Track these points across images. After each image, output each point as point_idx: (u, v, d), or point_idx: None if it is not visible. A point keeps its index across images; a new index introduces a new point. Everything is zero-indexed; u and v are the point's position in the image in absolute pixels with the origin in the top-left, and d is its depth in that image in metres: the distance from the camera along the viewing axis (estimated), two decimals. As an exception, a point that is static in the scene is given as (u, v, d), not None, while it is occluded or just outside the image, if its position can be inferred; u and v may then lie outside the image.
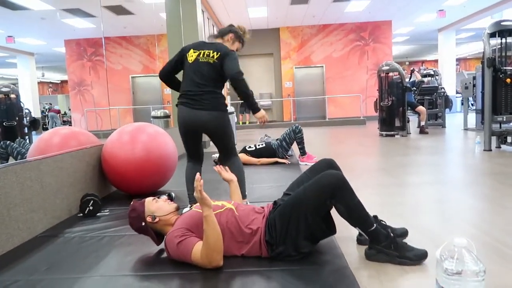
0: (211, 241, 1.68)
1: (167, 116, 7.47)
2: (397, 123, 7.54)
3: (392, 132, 7.52)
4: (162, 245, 1.97)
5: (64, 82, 23.31)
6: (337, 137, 8.33)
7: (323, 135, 8.83)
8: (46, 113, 17.36)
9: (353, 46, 12.83)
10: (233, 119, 7.53)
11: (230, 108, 7.71)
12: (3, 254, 2.10)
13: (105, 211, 2.91)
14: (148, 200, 1.98)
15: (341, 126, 11.05)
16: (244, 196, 2.65)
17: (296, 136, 4.83)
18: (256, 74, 13.54)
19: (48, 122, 16.81)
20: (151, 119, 7.61)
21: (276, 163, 4.77)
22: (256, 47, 13.16)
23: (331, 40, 12.86)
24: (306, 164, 4.73)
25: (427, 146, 5.92)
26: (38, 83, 17.53)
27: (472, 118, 8.64)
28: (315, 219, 1.78)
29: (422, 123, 7.93)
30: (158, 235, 1.97)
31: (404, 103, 7.48)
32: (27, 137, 8.07)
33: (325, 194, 1.75)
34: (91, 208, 2.79)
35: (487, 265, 1.67)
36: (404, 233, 2.12)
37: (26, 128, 8.16)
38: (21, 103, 8.23)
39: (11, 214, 2.22)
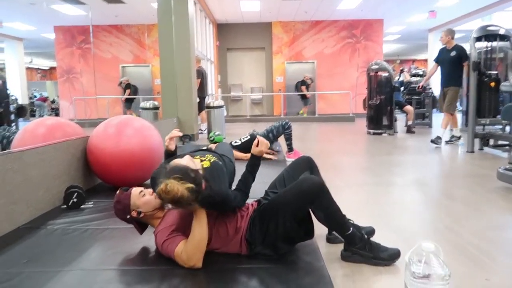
0: (196, 238, 1.71)
1: (156, 108, 7.46)
2: (385, 122, 7.63)
3: (380, 131, 7.61)
4: (144, 239, 2.00)
5: (53, 68, 22.92)
6: (326, 134, 8.41)
7: (312, 131, 8.89)
8: (34, 100, 17.13)
9: (344, 43, 12.87)
10: (222, 113, 7.54)
11: (219, 102, 7.73)
12: (-17, 245, 2.11)
13: (90, 203, 2.91)
14: (135, 193, 1.95)
15: (331, 123, 11.13)
16: None
17: (284, 132, 4.84)
18: (247, 67, 13.52)
19: (36, 109, 16.60)
20: (140, 110, 7.59)
21: (263, 158, 4.79)
22: (248, 40, 13.14)
23: (323, 36, 12.88)
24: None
25: (412, 146, 6.02)
26: (27, 69, 17.27)
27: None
28: (292, 224, 1.81)
29: (409, 123, 8.03)
30: (142, 225, 1.99)
31: (392, 102, 7.57)
32: (13, 124, 7.98)
33: (305, 200, 1.79)
34: (75, 200, 2.80)
35: (457, 267, 1.74)
36: (370, 231, 2.18)
37: (12, 115, 8.06)
38: (7, 90, 8.12)
39: (-7, 205, 2.23)
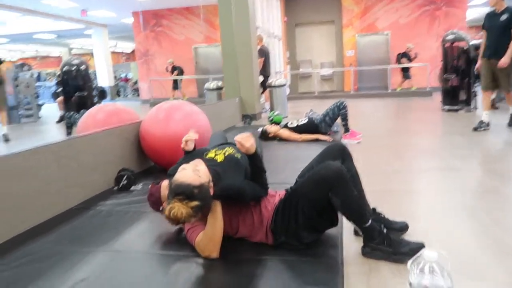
0: (209, 231, 1.76)
1: (220, 88, 7.62)
2: (462, 97, 6.95)
3: (456, 107, 6.96)
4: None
5: (134, 51, 24.54)
6: (395, 111, 7.92)
7: (382, 108, 8.43)
8: (118, 82, 18.52)
9: (421, 11, 11.82)
10: (284, 91, 7.47)
11: (281, 81, 7.65)
12: (39, 224, 2.37)
13: (139, 185, 3.12)
14: (164, 186, 2.07)
15: (405, 98, 10.41)
16: None
17: (340, 112, 4.68)
18: (317, 42, 13.13)
19: (120, 90, 17.97)
20: (205, 91, 7.82)
21: (318, 140, 4.66)
22: (317, 14, 12.70)
23: (396, 5, 11.96)
24: (349, 142, 4.60)
25: (492, 125, 5.41)
26: (112, 52, 18.67)
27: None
28: (312, 212, 1.78)
29: (493, 96, 7.21)
30: None
31: (470, 75, 6.84)
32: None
33: (322, 187, 1.73)
34: (124, 182, 3.01)
35: (478, 268, 1.57)
36: (403, 227, 2.05)
37: (95, 98, 8.81)
38: (91, 75, 8.84)
39: (48, 188, 2.49)
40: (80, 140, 2.90)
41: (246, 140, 1.79)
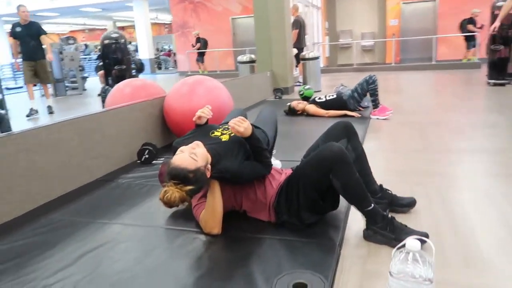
0: (209, 208, 1.81)
1: (253, 61, 7.56)
2: (511, 70, 6.46)
3: (503, 81, 6.49)
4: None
5: (172, 23, 24.73)
6: (436, 85, 7.52)
7: (422, 81, 8.03)
8: (160, 55, 18.82)
9: (475, -26, 10.93)
10: (317, 64, 7.29)
11: (315, 53, 7.46)
12: (64, 194, 2.54)
13: (161, 159, 3.22)
14: None
15: (450, 70, 9.83)
16: None
17: (369, 87, 4.52)
18: (358, 11, 12.60)
19: (161, 63, 18.28)
20: (237, 64, 7.79)
21: (346, 116, 4.55)
22: (358, -19, 12.13)
23: (448, -31, 11.13)
24: (377, 118, 4.46)
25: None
26: (154, 24, 18.89)
27: None
28: (313, 193, 1.77)
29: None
30: None
31: (521, 46, 6.32)
32: (134, 79, 8.98)
33: (323, 168, 1.71)
34: (146, 156, 3.12)
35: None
36: (410, 203, 2.01)
37: (134, 71, 9.05)
38: (133, 47, 9.06)
39: (72, 161, 2.64)
40: (106, 113, 3.02)
41: (239, 124, 1.78)
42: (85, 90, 10.47)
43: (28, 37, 6.34)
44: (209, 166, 1.73)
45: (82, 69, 10.93)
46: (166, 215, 2.13)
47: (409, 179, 2.54)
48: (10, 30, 6.49)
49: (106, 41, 7.72)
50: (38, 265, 1.67)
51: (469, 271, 1.52)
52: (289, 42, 7.11)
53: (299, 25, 7.95)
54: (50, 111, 6.71)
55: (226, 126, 2.03)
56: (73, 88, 10.35)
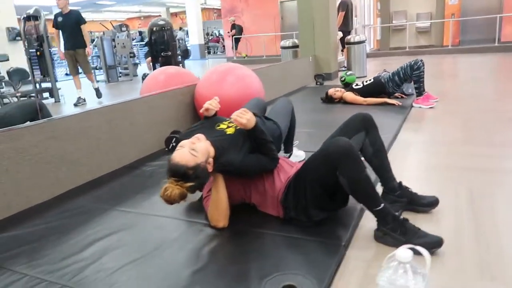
0: (214, 203, 1.80)
1: (296, 46, 7.40)
2: None
3: None
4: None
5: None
6: (498, 69, 6.91)
7: (482, 65, 7.40)
8: (208, 41, 19.05)
9: None
10: (363, 49, 6.97)
11: (360, 37, 7.13)
12: (91, 180, 2.64)
13: (189, 147, 3.25)
14: None
15: (514, 53, 8.99)
16: None
17: (413, 73, 4.22)
18: (414, -10, 11.85)
19: (210, 48, 18.52)
20: (280, 49, 7.66)
21: (386, 104, 4.30)
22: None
23: None
24: (420, 107, 4.18)
25: None
26: (203, 9, 19.08)
27: None
28: (319, 189, 1.69)
29: None
30: None
31: None
32: (180, 65, 9.16)
33: (328, 164, 1.63)
34: (174, 144, 3.16)
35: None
36: (432, 202, 1.87)
37: (179, 57, 9.22)
38: (182, 33, 9.21)
39: (101, 147, 2.74)
40: (135, 102, 3.09)
41: (241, 116, 1.72)
42: (136, 75, 10.87)
43: (68, 26, 6.44)
44: (210, 160, 1.70)
45: (133, 55, 11.34)
46: (180, 205, 2.14)
47: (440, 176, 2.36)
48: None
49: (153, 28, 7.91)
50: (51, 250, 1.75)
51: (484, 283, 1.38)
52: (333, 25, 6.84)
53: (346, 7, 7.63)
54: (98, 95, 6.95)
55: None
56: (126, 74, 10.78)
